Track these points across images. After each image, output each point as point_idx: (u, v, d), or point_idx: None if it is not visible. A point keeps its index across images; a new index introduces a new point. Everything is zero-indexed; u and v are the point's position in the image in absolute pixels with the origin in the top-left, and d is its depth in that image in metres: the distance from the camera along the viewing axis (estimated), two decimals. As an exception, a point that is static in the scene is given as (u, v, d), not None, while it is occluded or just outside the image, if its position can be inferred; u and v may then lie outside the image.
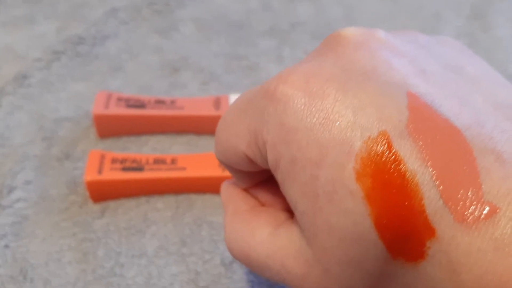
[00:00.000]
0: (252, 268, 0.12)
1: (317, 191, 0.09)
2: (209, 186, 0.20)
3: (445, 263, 0.09)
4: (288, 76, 0.10)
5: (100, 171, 0.19)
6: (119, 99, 0.22)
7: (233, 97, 0.23)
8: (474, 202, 0.08)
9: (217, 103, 0.22)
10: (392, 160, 0.09)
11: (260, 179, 0.14)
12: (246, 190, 0.14)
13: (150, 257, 0.19)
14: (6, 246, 0.19)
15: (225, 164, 0.13)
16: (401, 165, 0.09)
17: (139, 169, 0.20)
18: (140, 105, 0.22)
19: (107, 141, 0.23)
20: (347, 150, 0.09)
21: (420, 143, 0.09)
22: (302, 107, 0.10)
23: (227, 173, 0.20)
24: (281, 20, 0.29)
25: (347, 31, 0.11)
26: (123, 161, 0.20)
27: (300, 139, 0.10)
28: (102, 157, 0.20)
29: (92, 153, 0.20)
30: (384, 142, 0.09)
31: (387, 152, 0.09)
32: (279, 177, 0.11)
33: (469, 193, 0.08)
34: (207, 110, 0.22)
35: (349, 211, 0.09)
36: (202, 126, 0.23)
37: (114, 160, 0.20)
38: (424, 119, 0.09)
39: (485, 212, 0.08)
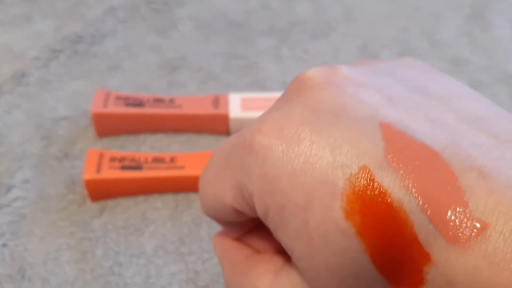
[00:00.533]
0: None
1: (310, 235, 0.10)
2: None
3: (445, 285, 0.09)
4: (262, 126, 0.11)
5: (98, 170, 0.19)
6: (118, 98, 0.22)
7: (232, 96, 0.23)
8: (464, 221, 0.09)
9: (215, 101, 0.22)
10: (377, 193, 0.09)
11: (251, 226, 0.14)
12: (238, 239, 0.14)
13: (148, 256, 0.19)
14: (4, 245, 0.19)
15: (214, 218, 0.13)
16: (387, 197, 0.09)
17: (138, 168, 0.20)
18: (139, 103, 0.22)
19: (105, 140, 0.23)
20: (332, 190, 0.09)
21: (401, 171, 0.09)
22: (281, 154, 0.10)
23: None
24: (280, 19, 0.29)
25: (310, 73, 0.11)
26: (121, 159, 0.20)
27: (284, 187, 0.10)
28: (101, 155, 0.20)
29: (91, 151, 0.20)
30: (366, 176, 0.09)
31: (371, 185, 0.09)
32: (270, 226, 0.11)
33: (457, 213, 0.09)
34: (206, 109, 0.22)
35: (345, 250, 0.09)
36: (201, 125, 0.23)
37: (112, 159, 0.20)
38: (401, 148, 0.09)
39: (475, 230, 0.08)
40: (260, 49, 0.27)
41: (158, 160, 0.20)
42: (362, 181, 0.09)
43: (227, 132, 0.23)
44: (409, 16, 0.30)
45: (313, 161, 0.10)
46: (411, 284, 0.09)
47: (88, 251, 0.19)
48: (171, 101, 0.22)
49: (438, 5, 0.31)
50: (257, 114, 0.22)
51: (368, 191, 0.09)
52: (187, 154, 0.21)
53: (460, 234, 0.09)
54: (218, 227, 0.20)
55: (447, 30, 0.29)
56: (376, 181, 0.09)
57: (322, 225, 0.09)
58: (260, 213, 0.11)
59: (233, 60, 0.27)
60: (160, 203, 0.20)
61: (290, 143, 0.10)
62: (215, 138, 0.23)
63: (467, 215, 0.09)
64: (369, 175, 0.09)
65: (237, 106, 0.22)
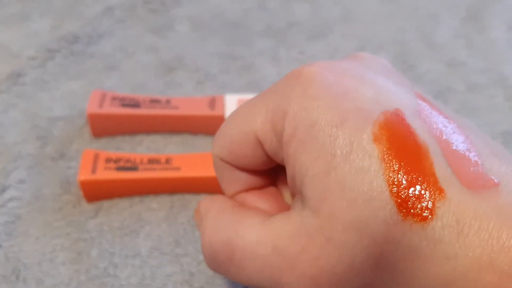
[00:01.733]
0: (231, 265, 0.12)
1: (334, 151, 0.10)
2: (204, 186, 0.20)
3: (454, 224, 0.09)
4: (313, 63, 0.12)
5: (94, 171, 0.19)
6: (114, 98, 0.22)
7: (228, 97, 0.23)
8: (479, 173, 0.10)
9: (212, 103, 0.22)
10: (406, 129, 0.10)
11: (250, 182, 0.14)
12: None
13: (144, 257, 0.19)
14: (-1, 245, 0.19)
15: (222, 161, 0.13)
16: (414, 135, 0.10)
17: (133, 168, 0.20)
18: (135, 104, 0.22)
19: (101, 140, 0.23)
20: (367, 116, 0.10)
21: (429, 124, 0.11)
22: (327, 81, 0.11)
23: None
24: (277, 20, 0.29)
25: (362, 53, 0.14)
26: (117, 160, 0.20)
27: (322, 105, 0.11)
28: (96, 156, 0.20)
29: (86, 152, 0.20)
30: (399, 115, 0.10)
31: (402, 122, 0.10)
32: (292, 147, 0.11)
33: (473, 168, 0.10)
34: (202, 110, 0.22)
35: (364, 170, 0.10)
36: (197, 126, 0.23)
37: (108, 160, 0.20)
38: (430, 109, 0.11)
39: (489, 182, 0.10)
40: (257, 50, 0.27)
41: (153, 161, 0.20)
42: (395, 117, 0.10)
43: (223, 133, 0.23)
44: (406, 18, 0.30)
45: (355, 93, 0.11)
46: (421, 217, 0.09)
47: (83, 252, 0.19)
48: (168, 102, 0.22)
49: (435, 7, 0.31)
50: (253, 115, 0.22)
51: (398, 125, 0.10)
52: (183, 155, 0.21)
53: (474, 182, 0.10)
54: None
55: (444, 32, 0.29)
56: (407, 121, 0.10)
57: (348, 143, 0.10)
58: (286, 133, 0.11)
59: (230, 61, 0.27)
60: (156, 204, 0.20)
61: (337, 76, 0.11)
62: (211, 139, 0.23)
63: (482, 172, 0.10)
64: (402, 115, 0.10)
65: (233, 107, 0.22)
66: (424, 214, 0.09)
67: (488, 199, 0.09)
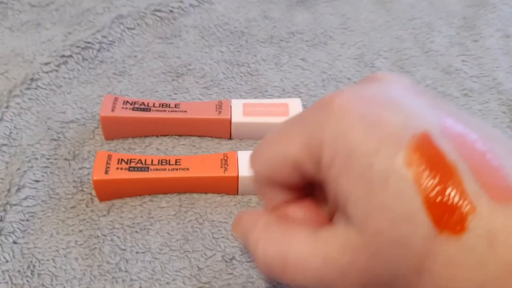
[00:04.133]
0: (284, 274, 0.13)
1: (372, 178, 0.11)
2: (211, 186, 0.21)
3: (485, 235, 0.10)
4: (342, 91, 0.13)
5: (106, 171, 0.20)
6: (125, 102, 0.23)
7: (234, 102, 0.24)
8: (504, 188, 0.11)
9: (219, 107, 0.23)
10: (435, 150, 0.11)
11: (290, 197, 0.15)
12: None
13: (154, 253, 0.19)
14: (14, 242, 0.20)
15: (262, 178, 0.15)
16: (442, 155, 0.11)
17: (144, 169, 0.20)
18: (145, 108, 0.23)
19: (112, 143, 0.24)
20: (398, 143, 0.11)
21: (454, 142, 0.11)
22: (358, 110, 0.12)
23: (228, 174, 0.21)
24: (280, 29, 0.30)
25: (379, 73, 0.14)
26: (128, 161, 0.21)
27: (357, 136, 0.12)
28: (109, 157, 0.21)
29: (99, 153, 0.21)
30: (428, 137, 0.11)
31: (431, 144, 0.11)
32: (332, 173, 0.12)
33: (497, 182, 0.11)
34: (209, 114, 0.23)
35: (401, 193, 0.11)
36: (204, 129, 0.24)
37: (120, 161, 0.21)
38: (455, 127, 0.12)
39: None
40: (261, 57, 0.28)
41: (163, 162, 0.21)
42: (425, 140, 0.11)
43: (229, 136, 0.24)
44: (403, 26, 0.31)
45: (385, 120, 0.12)
46: (455, 230, 0.11)
47: (96, 248, 0.20)
48: (177, 106, 0.23)
49: (431, 16, 0.32)
50: (257, 119, 0.23)
51: (428, 148, 0.11)
52: (191, 156, 0.22)
53: (502, 195, 0.11)
54: (220, 227, 0.20)
55: (440, 40, 0.30)
56: (435, 142, 0.11)
57: (384, 170, 0.11)
58: (325, 161, 0.12)
59: (235, 67, 0.28)
60: (165, 203, 0.21)
61: (367, 104, 0.12)
62: (218, 142, 0.24)
63: (508, 185, 0.11)
64: (430, 137, 0.11)
65: (239, 111, 0.23)
66: (457, 228, 0.11)
67: None
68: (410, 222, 0.11)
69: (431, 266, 0.11)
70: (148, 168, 0.21)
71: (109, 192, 0.21)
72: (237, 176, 0.20)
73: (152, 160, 0.21)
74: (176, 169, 0.21)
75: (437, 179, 0.11)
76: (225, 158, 0.21)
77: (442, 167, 0.11)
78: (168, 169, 0.21)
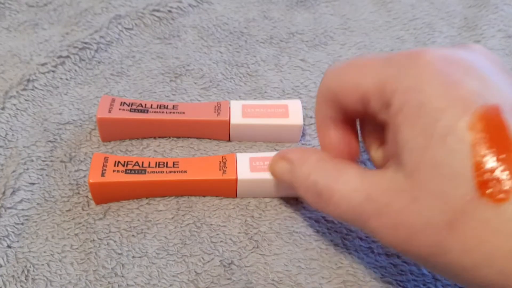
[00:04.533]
0: (329, 203, 0.15)
1: (433, 132, 0.12)
2: (209, 189, 0.21)
3: None
4: (431, 49, 0.14)
5: (103, 174, 0.20)
6: (123, 104, 0.23)
7: (233, 103, 0.23)
8: None
9: (217, 108, 0.23)
10: (500, 123, 0.12)
11: (338, 119, 0.17)
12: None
13: (150, 258, 0.19)
14: (9, 246, 0.19)
15: (328, 92, 0.16)
16: (506, 130, 0.12)
17: (142, 171, 0.20)
18: (143, 109, 0.23)
19: (109, 145, 0.23)
20: (468, 106, 0.12)
21: None
22: (440, 69, 0.13)
23: (227, 176, 0.20)
24: (280, 29, 0.30)
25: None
26: (125, 163, 0.20)
27: (432, 91, 0.13)
28: (105, 159, 0.20)
29: (96, 155, 0.20)
30: (497, 109, 0.12)
31: (498, 116, 0.12)
32: (397, 119, 0.13)
33: None
34: (208, 115, 0.23)
35: (455, 152, 0.12)
36: (203, 130, 0.23)
37: (117, 163, 0.20)
38: None
39: None
40: (260, 58, 0.28)
41: (161, 164, 0.21)
42: (493, 111, 0.12)
43: (228, 138, 0.24)
44: (404, 27, 0.31)
45: (462, 83, 0.13)
46: (496, 197, 0.12)
47: (92, 253, 0.19)
48: (174, 107, 0.23)
49: (432, 16, 0.32)
50: (257, 120, 0.23)
51: (494, 119, 0.12)
52: (189, 159, 0.21)
53: None
54: (219, 230, 0.20)
55: (441, 41, 0.30)
56: (503, 116, 0.12)
57: (447, 127, 0.12)
58: (395, 106, 0.14)
59: (234, 68, 0.27)
60: (163, 206, 0.21)
61: (450, 65, 0.13)
62: (216, 144, 0.24)
63: None
64: (499, 110, 0.12)
65: (238, 113, 0.23)
66: (500, 196, 0.12)
67: None
68: (455, 179, 0.12)
69: (464, 225, 0.12)
70: (145, 170, 0.20)
71: (105, 195, 0.20)
72: (236, 179, 0.20)
73: (149, 163, 0.21)
74: (174, 172, 0.20)
75: (493, 150, 0.12)
76: (224, 160, 0.21)
77: (502, 140, 0.12)
78: (166, 172, 0.20)
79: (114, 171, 0.20)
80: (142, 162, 0.21)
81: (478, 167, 0.12)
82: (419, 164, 0.13)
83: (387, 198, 0.13)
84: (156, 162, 0.21)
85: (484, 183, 0.12)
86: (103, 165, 0.20)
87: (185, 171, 0.20)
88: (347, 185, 0.15)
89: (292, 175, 0.17)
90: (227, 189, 0.21)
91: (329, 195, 0.15)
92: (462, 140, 0.12)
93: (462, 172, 0.12)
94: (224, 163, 0.20)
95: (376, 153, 0.17)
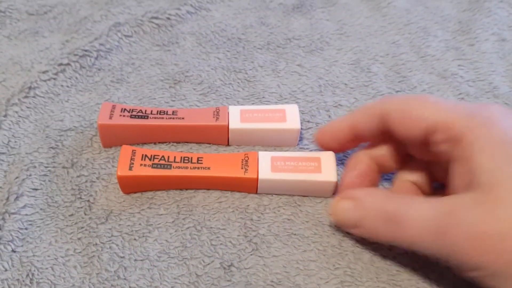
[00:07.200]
0: (399, 229, 0.17)
1: (510, 153, 0.15)
2: (231, 185, 0.21)
3: None
4: (498, 105, 0.18)
5: (131, 167, 0.21)
6: (123, 110, 0.23)
7: (231, 108, 0.24)
8: None
9: (216, 113, 0.23)
10: None
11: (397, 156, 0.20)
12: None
13: (152, 261, 0.20)
14: (13, 251, 0.20)
15: (374, 121, 0.19)
16: None
17: (167, 166, 0.21)
18: (143, 115, 0.23)
19: (110, 150, 0.24)
20: None
21: None
22: (504, 111, 0.16)
23: (248, 175, 0.21)
24: (277, 35, 0.31)
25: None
26: (152, 157, 0.21)
27: (503, 125, 0.16)
28: (133, 153, 0.21)
29: (124, 148, 0.21)
30: None
31: None
32: (472, 149, 0.16)
33: None
34: (207, 120, 0.23)
35: None
36: (202, 136, 0.24)
37: (144, 157, 0.21)
38: None
39: None
40: (258, 64, 0.29)
41: (186, 159, 0.21)
42: None
43: (227, 142, 0.24)
44: (399, 31, 0.31)
45: None
46: None
47: (94, 256, 0.20)
48: (174, 113, 0.23)
49: (426, 21, 0.32)
50: (255, 125, 0.23)
51: None
52: (213, 155, 0.22)
53: None
54: (219, 233, 0.21)
55: (436, 45, 0.30)
56: None
57: None
58: (466, 141, 0.16)
59: (232, 74, 0.28)
60: (163, 210, 0.21)
61: (510, 112, 0.16)
62: (215, 148, 0.24)
63: None
64: None
65: (236, 118, 0.23)
66: None
67: None
68: None
69: None
70: (170, 165, 0.21)
71: (132, 186, 0.21)
72: (257, 178, 0.21)
73: (174, 157, 0.21)
74: (198, 168, 0.21)
75: None
76: (246, 158, 0.21)
77: None
78: (190, 168, 0.21)
79: (141, 165, 0.21)
80: (168, 157, 0.21)
81: None
82: (498, 180, 0.15)
83: (465, 211, 0.15)
84: (181, 157, 0.21)
85: None
86: (131, 159, 0.21)
87: (209, 168, 0.21)
88: (419, 207, 0.16)
89: (358, 210, 0.18)
90: (248, 186, 0.21)
91: (401, 218, 0.16)
92: None
93: None
94: (246, 161, 0.21)
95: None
